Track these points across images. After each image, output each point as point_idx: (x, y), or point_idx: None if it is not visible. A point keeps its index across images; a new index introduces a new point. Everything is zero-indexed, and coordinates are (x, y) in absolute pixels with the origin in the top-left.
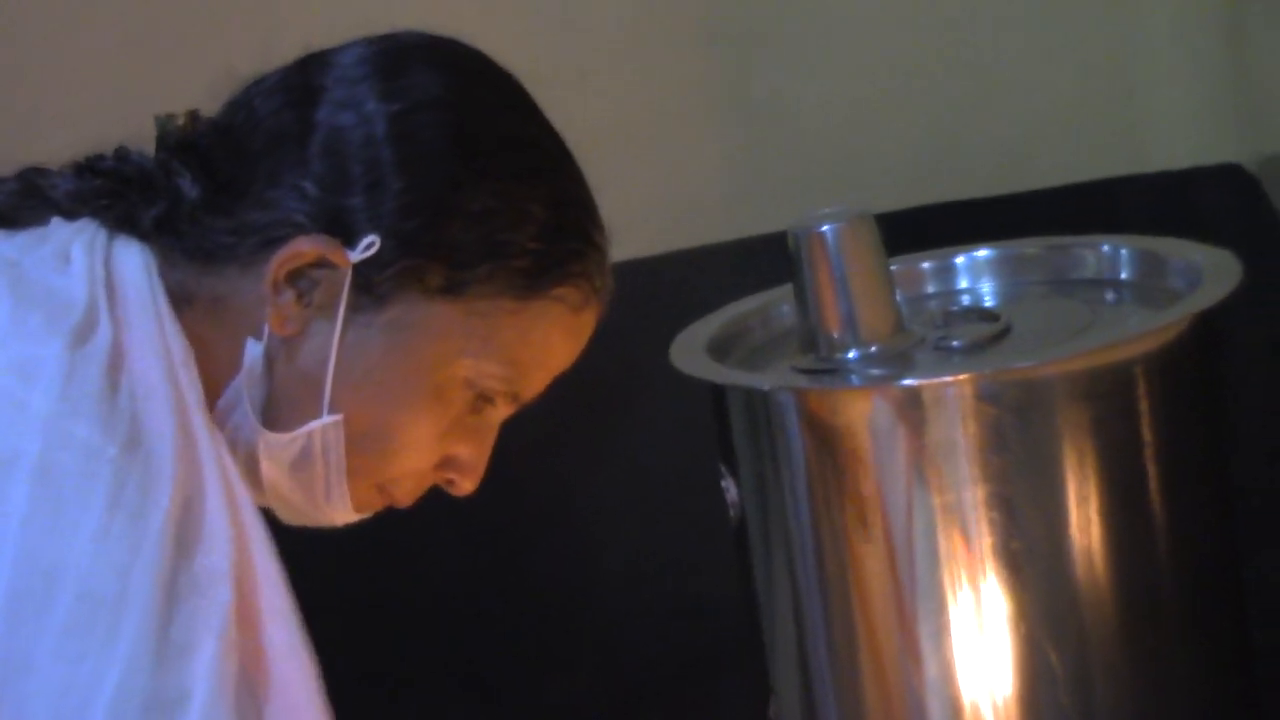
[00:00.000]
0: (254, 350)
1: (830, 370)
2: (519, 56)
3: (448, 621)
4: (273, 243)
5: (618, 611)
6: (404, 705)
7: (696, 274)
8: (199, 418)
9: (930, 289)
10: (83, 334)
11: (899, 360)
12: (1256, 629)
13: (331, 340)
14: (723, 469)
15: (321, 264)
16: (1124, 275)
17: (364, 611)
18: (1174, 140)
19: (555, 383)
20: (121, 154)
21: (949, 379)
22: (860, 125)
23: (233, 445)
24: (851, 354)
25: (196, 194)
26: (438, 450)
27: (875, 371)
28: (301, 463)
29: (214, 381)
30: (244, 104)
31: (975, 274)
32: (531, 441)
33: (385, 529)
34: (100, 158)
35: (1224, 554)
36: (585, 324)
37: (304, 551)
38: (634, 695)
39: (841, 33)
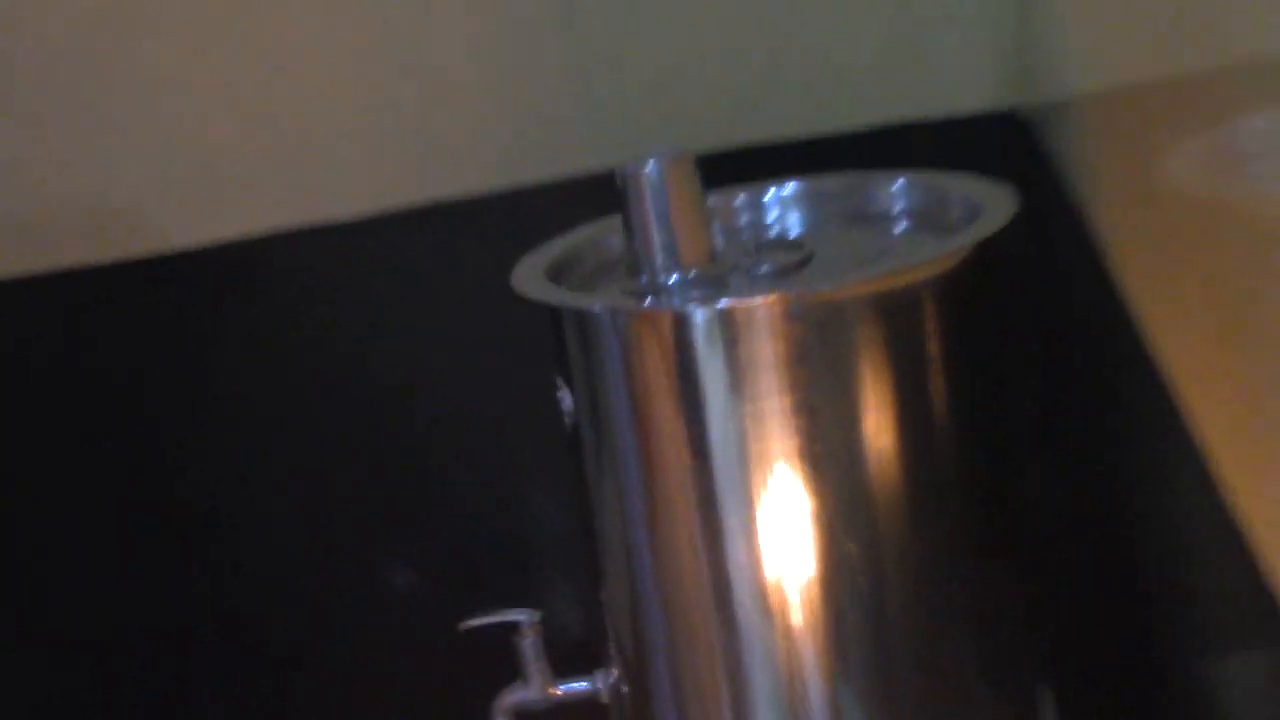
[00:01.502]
0: None
1: (653, 293)
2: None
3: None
4: None
5: (458, 502)
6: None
7: (531, 207)
8: None
9: (743, 221)
10: None
11: (715, 284)
12: (1027, 521)
13: None
14: (559, 380)
15: None
16: (913, 207)
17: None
18: (961, 89)
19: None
20: None
21: (758, 300)
22: (680, 72)
23: None
24: (673, 279)
25: None
26: None
27: (693, 294)
28: None
29: None
30: None
31: (783, 207)
32: (403, 355)
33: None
34: None
35: (1000, 453)
36: None
37: None
38: (476, 578)
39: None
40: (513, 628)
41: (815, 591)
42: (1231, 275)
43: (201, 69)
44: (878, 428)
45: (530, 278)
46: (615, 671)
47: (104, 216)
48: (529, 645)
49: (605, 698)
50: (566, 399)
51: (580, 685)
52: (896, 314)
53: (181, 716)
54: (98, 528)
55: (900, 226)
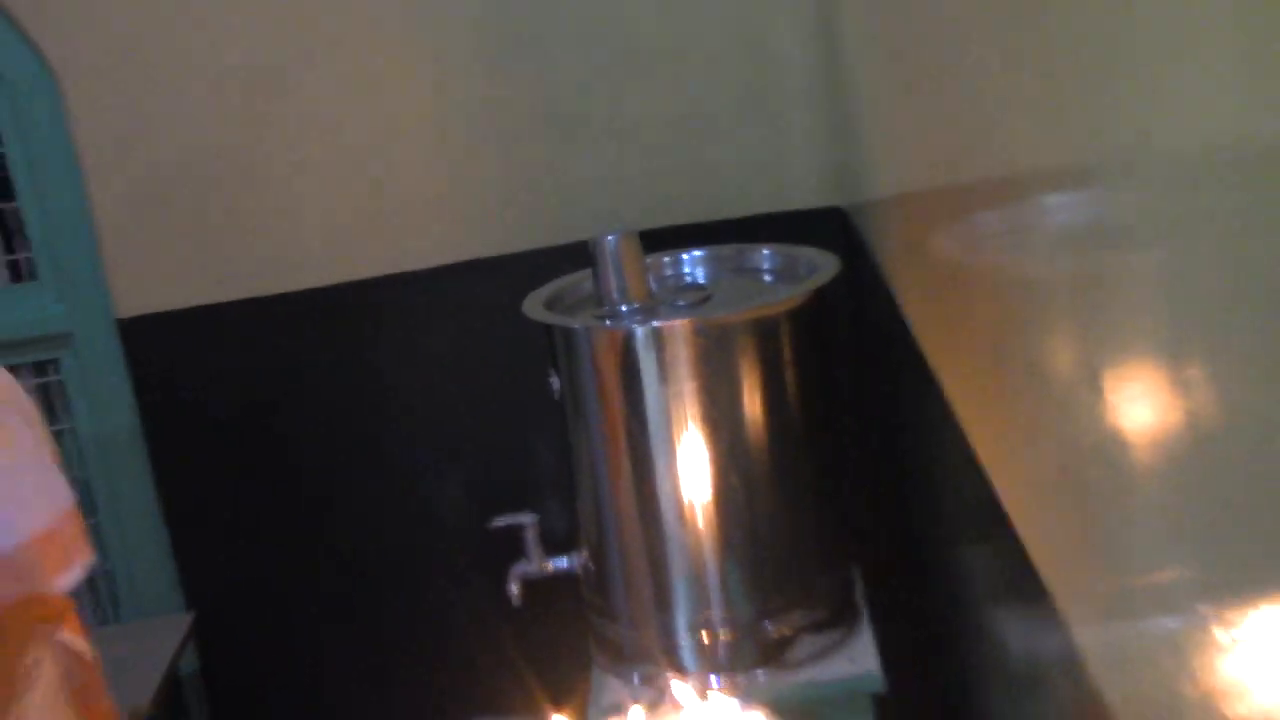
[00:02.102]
0: None
1: (611, 318)
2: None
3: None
4: None
5: (486, 450)
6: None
7: (534, 263)
8: None
9: (668, 273)
10: None
11: (649, 313)
12: (844, 462)
13: None
14: (552, 372)
15: None
16: (774, 266)
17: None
18: (804, 193)
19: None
20: None
21: (677, 323)
22: (632, 184)
23: None
24: (623, 309)
25: None
26: None
27: (636, 319)
28: None
29: None
30: None
31: (693, 265)
32: (451, 357)
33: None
34: None
35: (828, 418)
36: None
37: None
38: (499, 498)
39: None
40: (521, 527)
41: (710, 504)
42: (968, 308)
43: (333, 165)
44: (750, 403)
45: (534, 306)
46: (585, 554)
47: (270, 265)
48: (531, 537)
49: (578, 570)
50: (555, 383)
51: (562, 562)
52: (764, 332)
53: (314, 614)
54: (261, 472)
55: (767, 278)
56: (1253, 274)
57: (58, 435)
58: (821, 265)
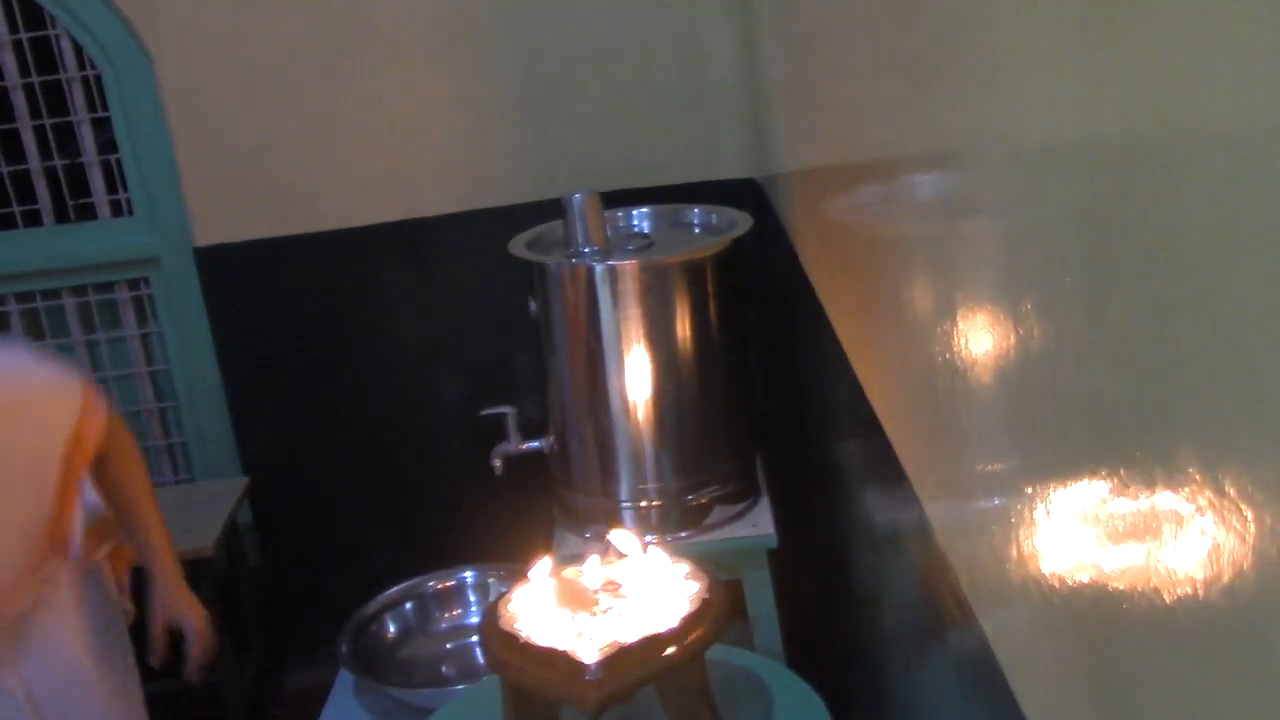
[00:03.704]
0: None
1: (576, 258)
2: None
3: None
4: None
5: (479, 357)
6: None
7: (522, 214)
8: None
9: (621, 225)
10: None
11: (606, 255)
12: (751, 370)
13: None
14: (530, 298)
15: None
16: (702, 222)
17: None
18: (728, 167)
19: (466, 262)
20: None
21: (628, 263)
22: (598, 156)
23: None
24: (586, 251)
25: None
26: None
27: (596, 259)
28: None
29: None
30: None
31: (640, 219)
32: (455, 285)
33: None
34: None
35: (740, 339)
36: None
37: None
38: (488, 394)
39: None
40: (503, 415)
41: (649, 402)
42: (852, 260)
43: (365, 132)
44: (681, 326)
45: (517, 247)
46: (552, 438)
47: (313, 208)
48: (511, 424)
49: (546, 450)
50: (533, 307)
51: (535, 444)
52: (693, 272)
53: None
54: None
55: (696, 230)
56: (1069, 235)
57: (145, 338)
58: (739, 222)
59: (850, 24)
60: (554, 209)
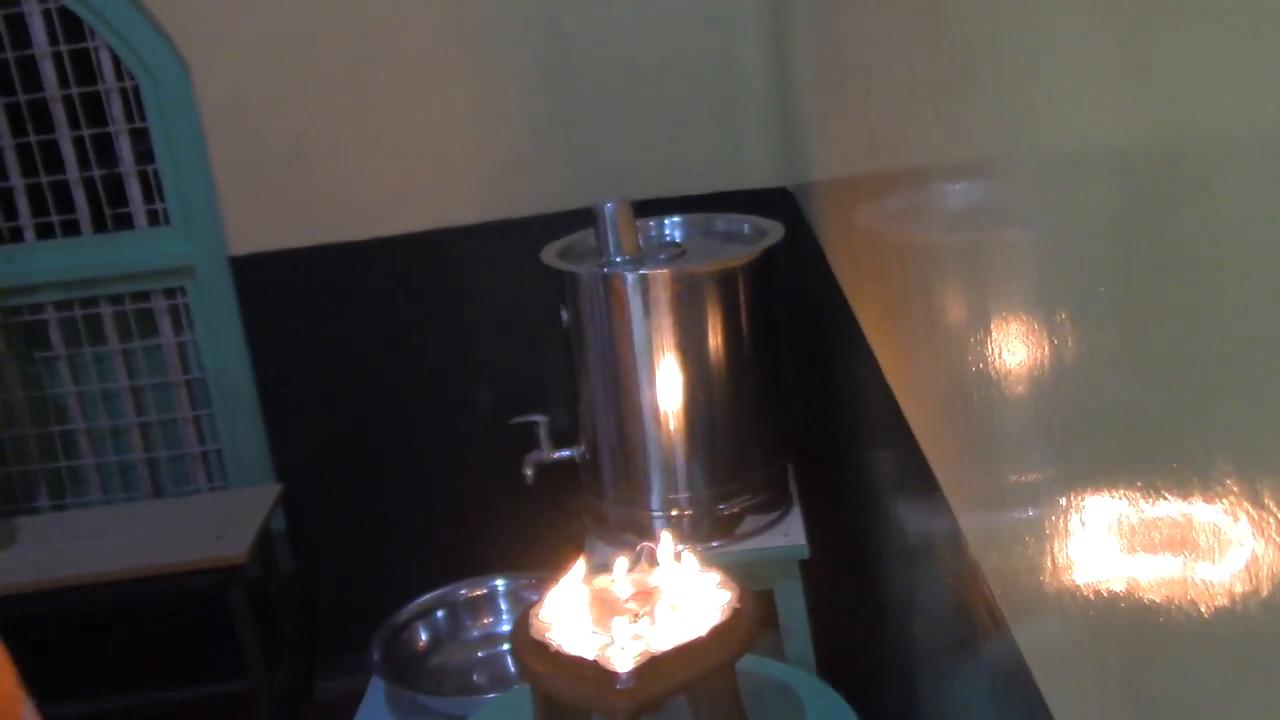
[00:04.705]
0: None
1: (609, 267)
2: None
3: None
4: None
5: (512, 368)
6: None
7: (552, 222)
8: None
9: (653, 233)
10: None
11: (638, 264)
12: (783, 381)
13: None
14: (562, 307)
15: None
16: (733, 231)
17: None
18: (760, 177)
19: (497, 273)
20: None
21: (659, 271)
22: (628, 166)
23: None
24: (618, 260)
25: None
26: None
27: (628, 268)
28: None
29: None
30: None
31: (672, 228)
32: (487, 295)
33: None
34: None
35: (773, 349)
36: None
37: None
38: (520, 402)
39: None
40: (535, 424)
41: (679, 411)
42: (885, 269)
43: (399, 144)
44: (713, 334)
45: (549, 255)
46: (583, 446)
47: (347, 218)
48: (542, 432)
49: (577, 459)
50: (564, 316)
51: (566, 453)
52: (725, 281)
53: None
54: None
55: (728, 240)
56: (1103, 243)
57: (181, 346)
58: (771, 231)
59: (883, 32)
60: (585, 218)
